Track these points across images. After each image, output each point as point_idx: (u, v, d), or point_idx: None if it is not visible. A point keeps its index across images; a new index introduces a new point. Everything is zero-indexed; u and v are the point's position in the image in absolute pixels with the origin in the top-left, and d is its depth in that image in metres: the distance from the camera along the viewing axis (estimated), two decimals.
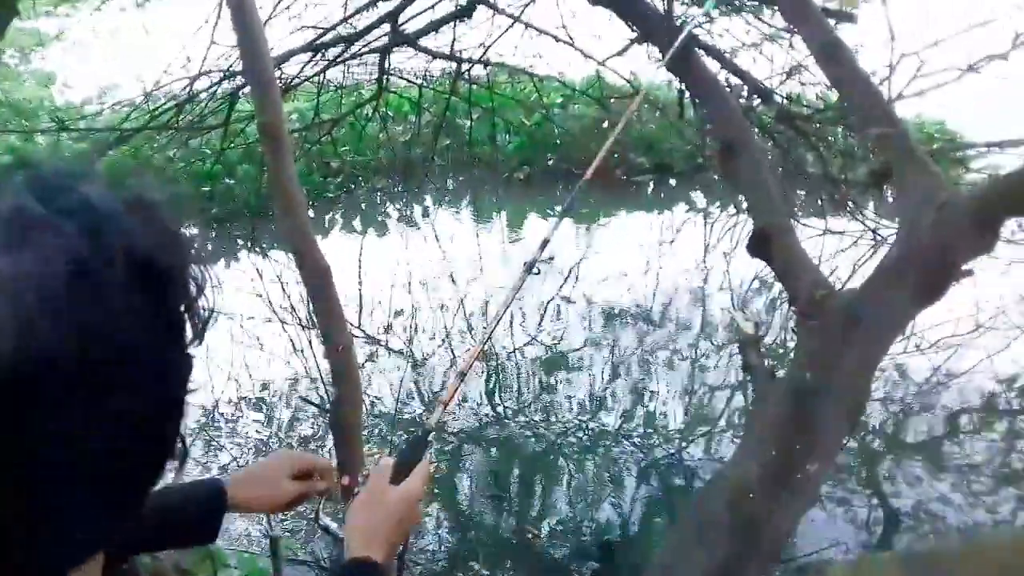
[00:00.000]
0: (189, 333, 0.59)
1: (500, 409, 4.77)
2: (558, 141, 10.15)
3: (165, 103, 5.03)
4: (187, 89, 4.86)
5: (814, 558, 3.22)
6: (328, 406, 2.13)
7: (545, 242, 1.38)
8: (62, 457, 0.51)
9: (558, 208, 9.85)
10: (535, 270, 1.40)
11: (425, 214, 9.39)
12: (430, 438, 1.16)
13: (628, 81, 5.55)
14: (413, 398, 4.85)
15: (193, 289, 0.58)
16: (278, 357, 5.00)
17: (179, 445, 0.60)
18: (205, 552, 2.44)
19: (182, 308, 0.58)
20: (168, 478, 0.61)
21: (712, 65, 3.58)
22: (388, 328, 5.79)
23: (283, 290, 5.15)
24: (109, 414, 0.52)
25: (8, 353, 0.46)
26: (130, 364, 0.53)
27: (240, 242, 7.92)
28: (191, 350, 0.59)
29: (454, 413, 4.66)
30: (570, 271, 7.04)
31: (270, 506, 1.19)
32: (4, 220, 0.50)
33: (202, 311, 0.59)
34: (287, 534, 3.26)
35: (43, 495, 0.51)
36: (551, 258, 7.24)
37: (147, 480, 0.59)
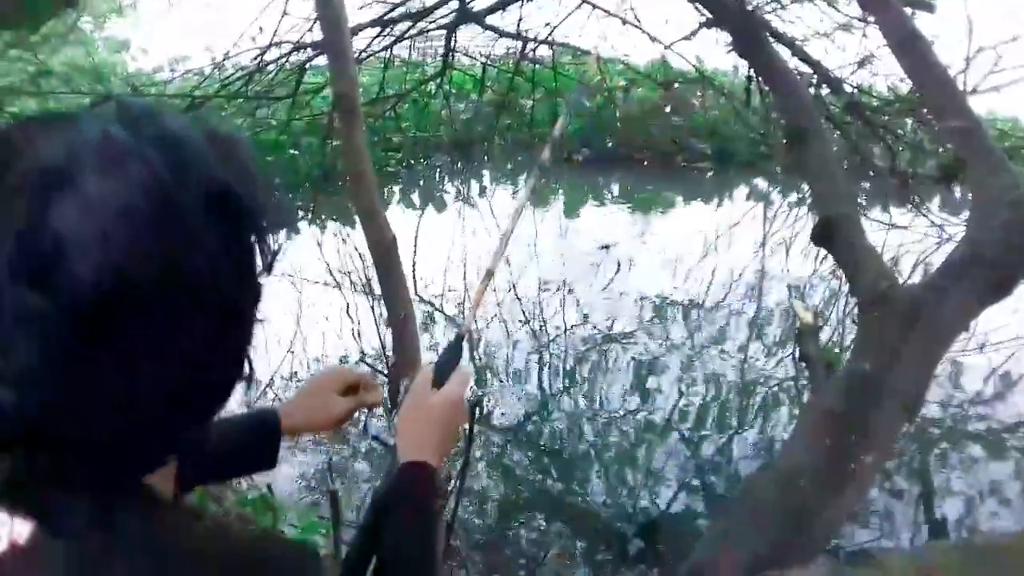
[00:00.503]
0: (259, 264, 0.62)
1: (548, 390, 4.80)
2: (619, 124, 10.10)
3: (234, 73, 5.14)
4: (258, 59, 4.95)
5: (865, 547, 3.21)
6: (387, 372, 2.17)
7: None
8: (141, 370, 0.55)
9: (615, 191, 9.84)
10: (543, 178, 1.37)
11: (482, 193, 9.42)
12: (464, 341, 1.17)
13: (694, 66, 5.51)
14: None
15: (265, 223, 0.61)
16: (337, 326, 5.08)
17: (247, 366, 0.64)
18: (266, 503, 2.52)
19: (254, 240, 0.61)
20: (237, 395, 0.66)
21: (783, 52, 3.53)
22: (441, 301, 5.85)
23: (342, 261, 5.22)
24: (185, 333, 0.56)
25: (94, 272, 0.50)
26: (205, 288, 0.56)
27: (301, 213, 8.05)
28: (261, 279, 0.63)
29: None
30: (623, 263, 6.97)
31: (324, 424, 1.20)
32: (93, 146, 0.53)
33: (272, 245, 0.62)
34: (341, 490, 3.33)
35: (122, 404, 0.55)
36: (606, 246, 7.24)
37: (218, 396, 0.64)
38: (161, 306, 0.54)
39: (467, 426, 2.65)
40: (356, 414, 1.24)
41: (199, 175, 0.56)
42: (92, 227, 0.51)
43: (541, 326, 5.66)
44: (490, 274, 1.26)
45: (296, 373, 4.78)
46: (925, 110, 3.82)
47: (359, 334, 4.91)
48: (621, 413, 4.53)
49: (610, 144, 10.38)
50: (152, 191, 0.53)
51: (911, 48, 2.59)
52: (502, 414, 4.45)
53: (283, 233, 0.63)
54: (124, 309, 0.52)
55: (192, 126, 0.59)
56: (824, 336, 5.07)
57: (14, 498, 0.58)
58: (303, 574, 0.65)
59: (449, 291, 6.07)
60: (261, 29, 4.97)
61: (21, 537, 0.57)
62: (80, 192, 0.51)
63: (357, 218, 2.16)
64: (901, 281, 2.49)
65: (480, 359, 5.11)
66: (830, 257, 2.80)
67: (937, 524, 3.57)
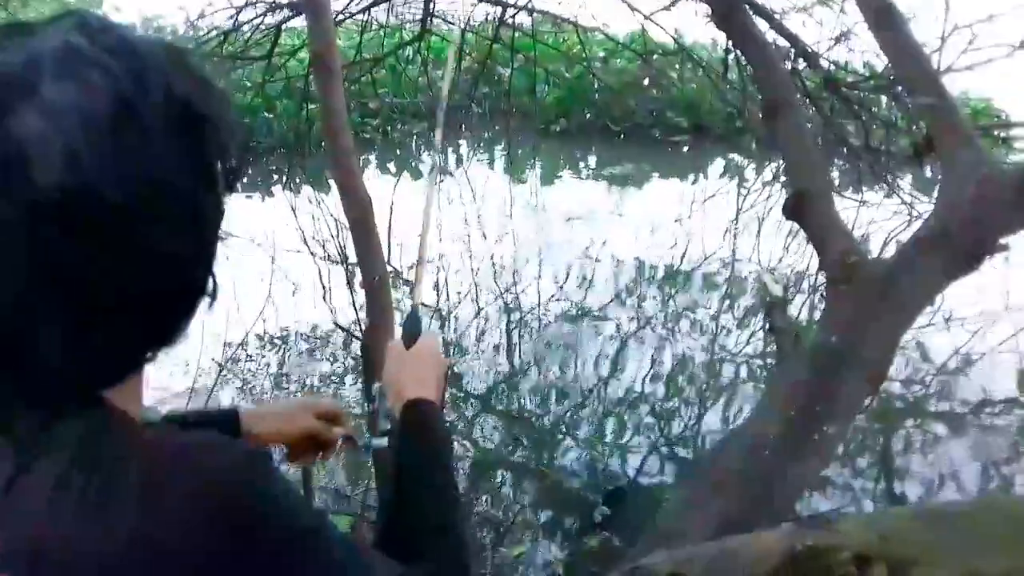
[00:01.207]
0: (221, 178, 0.62)
1: (518, 362, 4.82)
2: (597, 95, 10.08)
3: (208, 32, 5.05)
4: (233, 19, 4.87)
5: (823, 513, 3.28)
6: (361, 334, 2.18)
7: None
8: (102, 281, 0.55)
9: (592, 163, 9.84)
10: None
11: (459, 162, 9.38)
12: (418, 312, 1.20)
13: (673, 37, 5.49)
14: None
15: (226, 139, 0.61)
16: (309, 291, 5.06)
17: (210, 283, 0.64)
18: None
19: (215, 156, 0.61)
20: (200, 311, 0.65)
21: (761, 25, 3.54)
22: (413, 271, 5.84)
23: (316, 227, 5.19)
24: (146, 245, 0.56)
25: (56, 177, 0.51)
26: (167, 200, 0.57)
27: (275, 177, 7.97)
28: (223, 198, 0.63)
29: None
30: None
31: (282, 437, 1.13)
32: (53, 53, 0.54)
33: (233, 162, 0.63)
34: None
35: (84, 314, 0.56)
36: (574, 218, 7.24)
37: (181, 312, 0.63)
38: (120, 216, 0.54)
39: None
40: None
41: (158, 84, 0.56)
42: (51, 132, 0.51)
43: (515, 297, 5.68)
44: (421, 260, 1.32)
45: (270, 336, 4.78)
46: (899, 87, 3.85)
47: (330, 298, 4.90)
48: (588, 382, 4.57)
49: (588, 115, 10.36)
50: (112, 98, 0.54)
51: (886, 23, 2.60)
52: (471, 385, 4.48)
53: (241, 151, 0.63)
54: (85, 214, 0.52)
55: (151, 39, 0.60)
56: (796, 306, 5.15)
57: None
58: (251, 474, 0.61)
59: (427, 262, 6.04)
60: None
61: None
62: (40, 98, 0.52)
63: (332, 181, 2.16)
64: (870, 257, 2.53)
65: (453, 331, 5.13)
66: (802, 232, 2.83)
67: (896, 496, 3.65)
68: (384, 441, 1.09)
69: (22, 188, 0.51)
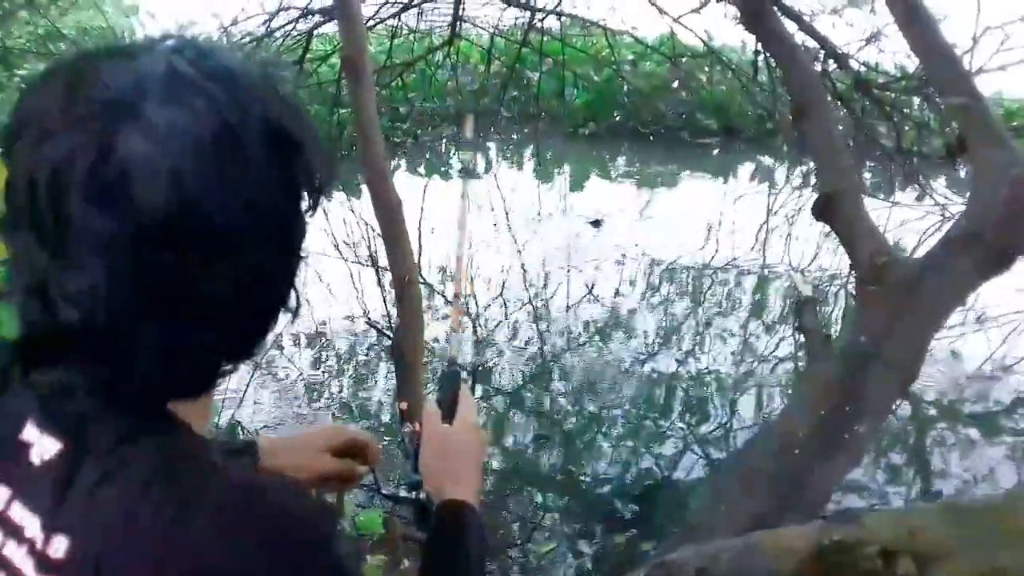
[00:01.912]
0: (306, 202, 0.66)
1: (550, 361, 4.84)
2: (626, 98, 10.05)
3: (242, 39, 5.12)
4: (265, 25, 4.94)
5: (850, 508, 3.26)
6: (392, 334, 2.22)
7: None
8: (200, 298, 0.58)
9: (621, 165, 9.82)
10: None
11: (488, 167, 9.40)
12: (456, 367, 1.14)
13: (702, 40, 5.48)
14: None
15: (314, 163, 0.64)
16: (342, 292, 5.12)
17: (293, 298, 0.67)
18: None
19: (304, 179, 0.64)
20: (283, 325, 0.68)
21: (790, 27, 3.53)
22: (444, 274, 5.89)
23: (348, 230, 5.23)
24: (237, 261, 0.59)
25: (159, 197, 0.54)
26: (264, 222, 0.60)
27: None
28: (307, 217, 0.66)
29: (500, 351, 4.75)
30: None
31: (302, 476, 1.05)
32: (158, 78, 0.57)
33: (319, 185, 0.66)
34: None
35: (179, 328, 0.58)
36: (597, 222, 7.21)
37: (262, 325, 0.66)
38: (216, 233, 0.57)
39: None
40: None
41: (257, 110, 0.59)
42: (158, 154, 0.54)
43: (544, 302, 5.69)
44: (458, 297, 1.28)
45: (302, 335, 4.83)
46: (931, 88, 3.82)
47: (363, 299, 4.95)
48: (618, 380, 4.58)
49: (617, 118, 10.34)
50: (215, 123, 0.56)
51: (917, 23, 2.60)
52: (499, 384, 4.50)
53: (327, 175, 0.66)
54: (185, 233, 0.55)
55: (248, 64, 0.63)
56: (825, 309, 5.12)
57: (54, 410, 0.62)
58: (321, 528, 0.64)
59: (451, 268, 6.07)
60: None
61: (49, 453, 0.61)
62: (147, 121, 0.54)
63: (364, 183, 2.19)
64: (901, 258, 2.52)
65: (482, 331, 5.15)
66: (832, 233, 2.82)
67: (929, 496, 3.62)
68: (411, 494, 1.08)
69: (128, 207, 0.53)
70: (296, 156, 0.62)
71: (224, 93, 0.58)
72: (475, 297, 5.56)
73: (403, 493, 1.09)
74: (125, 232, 0.54)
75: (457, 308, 1.27)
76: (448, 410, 1.08)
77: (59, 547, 0.58)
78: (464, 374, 1.14)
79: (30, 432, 0.62)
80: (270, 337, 0.67)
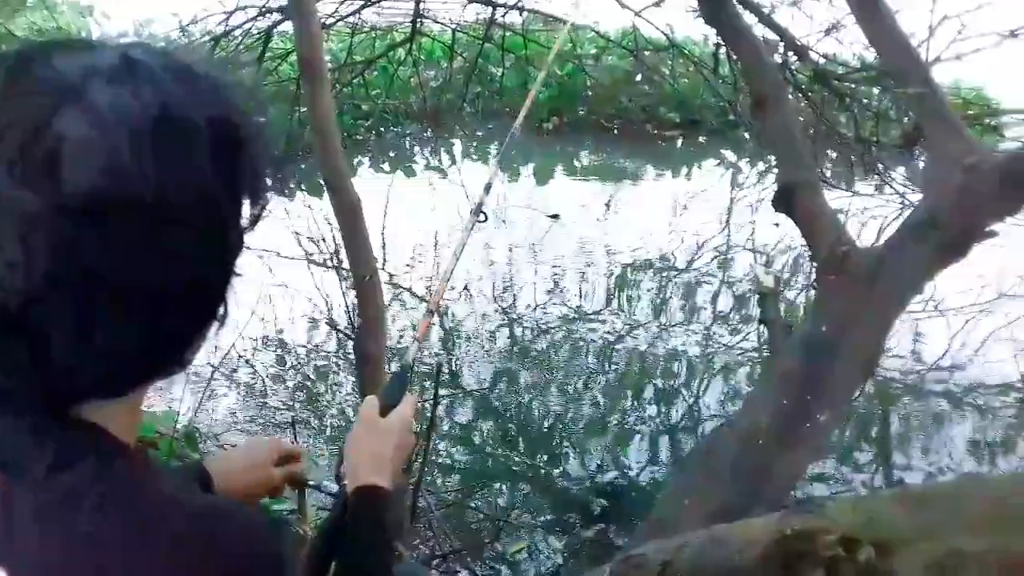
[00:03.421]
0: (246, 215, 0.63)
1: (515, 364, 4.83)
2: (589, 92, 10.08)
3: (200, 38, 5.05)
4: (223, 23, 4.87)
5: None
6: (353, 334, 2.19)
7: (488, 186, 1.40)
8: (117, 281, 0.55)
9: (585, 160, 9.84)
10: (482, 216, 1.42)
11: (452, 161, 9.37)
12: (409, 373, 1.21)
13: (664, 33, 5.49)
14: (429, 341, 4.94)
15: (259, 168, 0.63)
16: (302, 293, 5.07)
17: (223, 309, 0.64)
18: None
19: (247, 182, 0.62)
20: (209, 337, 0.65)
21: (749, 19, 3.54)
22: (409, 270, 5.85)
23: (309, 229, 5.19)
24: (165, 249, 0.56)
25: (86, 172, 0.51)
26: (193, 207, 0.57)
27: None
28: (245, 230, 0.64)
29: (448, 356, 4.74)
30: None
31: (262, 493, 1.17)
32: (110, 64, 0.55)
33: (262, 191, 0.64)
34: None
35: (96, 312, 0.55)
36: (556, 216, 7.23)
37: (191, 332, 0.63)
38: (148, 219, 0.54)
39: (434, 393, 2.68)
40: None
41: (206, 102, 0.58)
42: (93, 131, 0.52)
43: (511, 299, 5.69)
44: (432, 312, 1.31)
45: (264, 337, 4.78)
46: (889, 78, 3.86)
47: (325, 299, 4.91)
48: (584, 376, 4.59)
49: (581, 112, 10.36)
50: (157, 106, 0.55)
51: (873, 14, 2.62)
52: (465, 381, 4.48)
53: (271, 180, 0.64)
54: (111, 210, 0.53)
55: (213, 62, 0.63)
56: (789, 297, 5.17)
57: None
58: (266, 538, 0.64)
59: (418, 263, 6.07)
60: None
61: None
62: (89, 102, 0.53)
63: (323, 182, 2.17)
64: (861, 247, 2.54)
65: (449, 327, 5.13)
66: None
67: (893, 483, 3.67)
68: (334, 487, 1.15)
69: (55, 182, 0.51)
70: (240, 155, 0.61)
71: (175, 84, 0.57)
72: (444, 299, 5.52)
73: (331, 485, 1.16)
74: (49, 207, 0.51)
75: (427, 320, 1.31)
76: (386, 409, 1.14)
77: None
78: (414, 376, 1.20)
79: None
80: (201, 347, 0.64)
